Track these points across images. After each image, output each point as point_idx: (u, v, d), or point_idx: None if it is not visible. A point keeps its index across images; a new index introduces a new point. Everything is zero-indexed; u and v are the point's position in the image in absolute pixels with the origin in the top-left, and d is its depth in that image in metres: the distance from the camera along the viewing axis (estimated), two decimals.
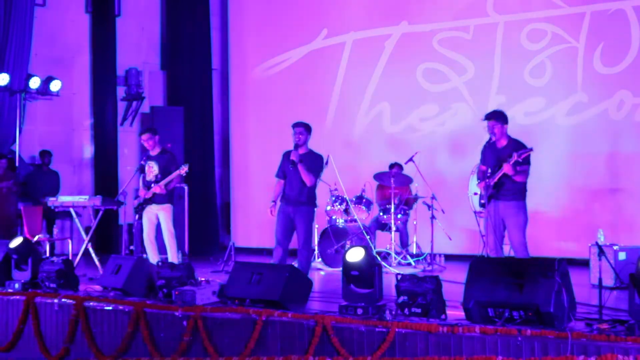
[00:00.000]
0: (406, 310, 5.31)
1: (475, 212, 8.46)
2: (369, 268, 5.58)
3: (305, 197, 7.24)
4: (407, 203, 9.59)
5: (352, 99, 11.34)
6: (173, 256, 8.08)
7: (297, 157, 7.17)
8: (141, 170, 8.52)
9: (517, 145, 6.69)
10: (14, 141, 10.92)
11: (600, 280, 5.55)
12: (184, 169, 7.97)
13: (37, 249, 7.72)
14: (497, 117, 6.78)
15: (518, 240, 6.66)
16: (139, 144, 12.10)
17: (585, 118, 9.60)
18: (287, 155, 7.34)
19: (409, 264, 9.22)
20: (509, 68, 10.10)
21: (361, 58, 11.27)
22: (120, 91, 12.28)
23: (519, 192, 6.69)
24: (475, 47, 10.37)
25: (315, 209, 7.48)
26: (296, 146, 7.25)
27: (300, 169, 7.15)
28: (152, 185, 8.10)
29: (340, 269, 5.87)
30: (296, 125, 7.33)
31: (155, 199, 8.11)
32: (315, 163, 7.32)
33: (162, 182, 8.03)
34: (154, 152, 8.29)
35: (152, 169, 8.20)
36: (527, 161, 6.61)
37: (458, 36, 10.50)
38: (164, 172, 8.11)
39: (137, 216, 8.29)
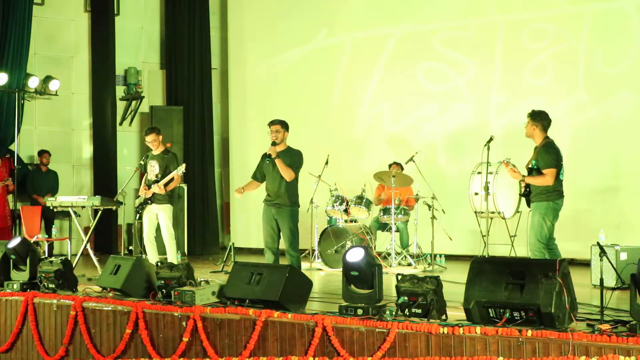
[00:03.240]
0: (406, 311, 5.29)
1: (475, 212, 8.45)
2: (369, 268, 5.54)
3: (287, 197, 7.22)
4: (407, 203, 9.57)
5: (352, 98, 11.31)
6: (172, 256, 8.06)
7: (274, 151, 7.17)
8: (141, 169, 8.50)
9: (541, 150, 6.75)
10: (13, 141, 10.89)
11: (601, 280, 5.53)
12: (180, 169, 7.95)
13: (36, 249, 7.68)
14: (530, 114, 6.89)
15: (530, 240, 6.73)
16: (138, 144, 12.11)
17: (586, 118, 9.57)
18: (265, 156, 7.33)
19: (409, 264, 9.20)
20: (510, 67, 10.07)
21: (361, 58, 11.24)
22: (120, 90, 12.26)
23: (541, 194, 6.74)
24: (476, 46, 10.34)
25: (298, 209, 7.41)
26: (274, 144, 7.24)
27: (279, 163, 7.15)
28: (153, 184, 8.09)
29: (340, 269, 5.84)
30: (272, 123, 7.34)
31: (156, 199, 8.10)
32: (294, 158, 7.29)
33: (162, 182, 8.01)
34: (156, 152, 8.27)
35: (154, 169, 8.18)
36: (548, 165, 6.64)
37: (459, 35, 10.47)
38: (164, 172, 8.09)
39: (137, 215, 8.26)
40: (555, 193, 6.73)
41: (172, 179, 8.04)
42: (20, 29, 10.95)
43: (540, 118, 6.83)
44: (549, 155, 6.72)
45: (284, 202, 7.22)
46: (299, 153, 7.35)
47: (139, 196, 8.27)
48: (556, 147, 6.78)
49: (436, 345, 4.96)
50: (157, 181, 8.07)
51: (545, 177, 6.67)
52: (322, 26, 11.62)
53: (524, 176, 6.84)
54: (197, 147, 12.24)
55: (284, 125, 7.31)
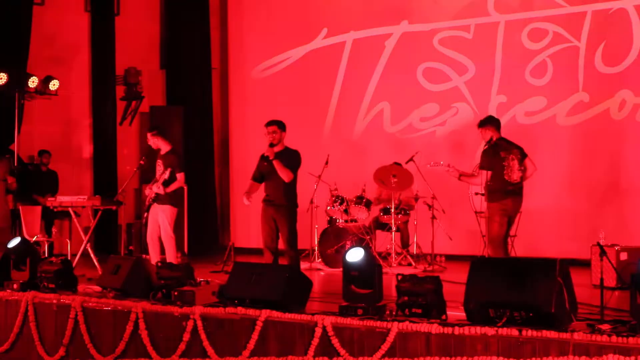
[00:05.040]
0: (406, 311, 5.29)
1: (475, 212, 8.44)
2: (369, 268, 5.55)
3: (285, 197, 7.20)
4: (407, 203, 9.56)
5: (352, 98, 11.31)
6: (171, 257, 8.04)
7: (272, 153, 7.15)
8: (140, 169, 8.48)
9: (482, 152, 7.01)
10: (13, 141, 10.88)
11: (601, 280, 5.52)
12: (164, 174, 7.88)
13: (36, 249, 7.68)
14: (481, 124, 7.18)
15: None
16: (139, 144, 12.11)
17: (586, 118, 9.58)
18: (263, 157, 7.30)
19: (410, 264, 9.19)
20: (510, 67, 10.08)
21: (361, 57, 11.24)
22: (120, 90, 12.26)
23: (488, 195, 6.96)
24: (476, 46, 10.35)
25: (297, 208, 7.38)
26: (271, 145, 7.22)
27: (276, 165, 7.12)
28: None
29: (340, 269, 5.84)
30: (269, 124, 7.31)
31: (158, 199, 8.09)
32: (292, 159, 7.26)
33: (160, 183, 7.99)
34: (163, 151, 8.26)
35: (159, 168, 8.18)
36: (480, 166, 6.93)
37: (459, 35, 10.48)
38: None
39: (145, 214, 8.26)
40: (498, 193, 6.88)
41: (173, 181, 8.01)
42: (20, 29, 10.93)
43: (490, 122, 7.10)
44: (483, 157, 6.98)
45: (283, 202, 7.21)
46: (296, 153, 7.33)
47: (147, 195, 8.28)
48: (494, 150, 6.95)
49: (436, 345, 4.95)
50: (157, 181, 8.06)
51: (476, 177, 7.00)
52: (322, 26, 11.62)
53: (460, 175, 7.15)
54: (196, 147, 12.22)
55: (281, 126, 7.28)
